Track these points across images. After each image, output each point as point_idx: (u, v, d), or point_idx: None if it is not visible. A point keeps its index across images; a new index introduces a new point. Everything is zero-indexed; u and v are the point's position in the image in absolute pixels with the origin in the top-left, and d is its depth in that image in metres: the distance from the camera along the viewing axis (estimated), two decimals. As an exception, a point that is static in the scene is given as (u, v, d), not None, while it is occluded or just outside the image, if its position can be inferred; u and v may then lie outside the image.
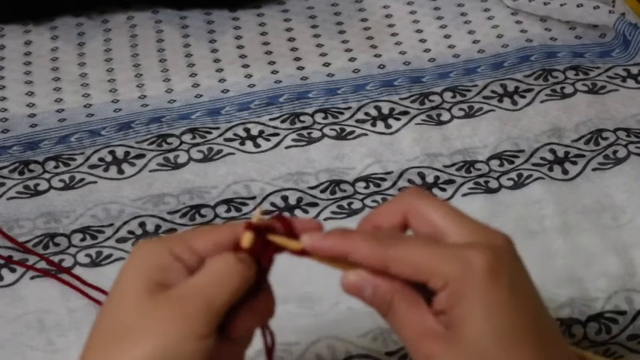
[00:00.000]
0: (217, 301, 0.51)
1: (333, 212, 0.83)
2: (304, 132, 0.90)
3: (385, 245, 0.53)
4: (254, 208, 0.83)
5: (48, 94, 0.96)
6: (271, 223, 0.55)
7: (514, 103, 0.94)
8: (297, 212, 0.83)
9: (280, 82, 0.97)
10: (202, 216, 0.83)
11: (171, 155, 0.88)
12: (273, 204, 0.83)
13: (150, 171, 0.87)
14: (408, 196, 0.55)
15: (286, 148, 0.89)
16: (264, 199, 0.84)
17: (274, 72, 0.98)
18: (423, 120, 0.92)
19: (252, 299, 0.54)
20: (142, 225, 0.82)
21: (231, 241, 0.54)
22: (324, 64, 0.99)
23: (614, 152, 0.89)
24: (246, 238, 0.54)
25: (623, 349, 0.79)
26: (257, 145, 0.89)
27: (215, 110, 0.93)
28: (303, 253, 0.54)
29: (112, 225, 0.82)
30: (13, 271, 0.78)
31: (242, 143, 0.89)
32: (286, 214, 0.55)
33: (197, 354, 0.50)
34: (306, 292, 0.76)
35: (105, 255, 0.79)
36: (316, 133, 0.90)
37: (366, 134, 0.91)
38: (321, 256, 0.54)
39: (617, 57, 1.01)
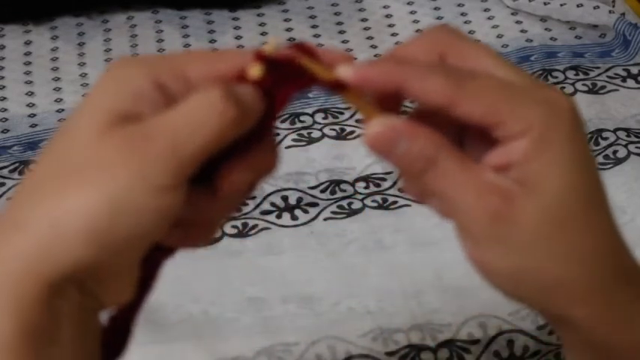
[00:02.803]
0: (187, 147, 0.39)
1: (333, 212, 0.83)
2: (304, 132, 0.90)
3: (456, 77, 0.41)
4: (255, 208, 0.83)
5: (48, 94, 0.96)
6: (289, 54, 0.42)
7: (514, 103, 0.94)
8: (297, 212, 0.83)
9: (280, 82, 0.96)
10: (202, 216, 0.83)
11: (171, 155, 0.88)
12: (273, 204, 0.83)
13: (150, 171, 0.86)
14: (442, 32, 0.44)
15: (286, 148, 0.89)
16: (264, 198, 0.84)
17: (274, 72, 0.98)
18: (423, 120, 0.92)
19: (251, 149, 0.42)
20: (142, 225, 0.82)
21: (235, 72, 0.42)
22: (324, 64, 0.99)
23: (614, 152, 0.89)
24: (256, 69, 0.42)
25: (623, 349, 0.78)
26: (257, 145, 0.89)
27: (215, 110, 0.93)
28: (336, 86, 0.42)
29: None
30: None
31: (242, 143, 0.89)
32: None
33: (153, 211, 0.39)
34: (307, 292, 0.76)
35: (105, 255, 0.79)
36: (316, 133, 0.90)
37: (366, 134, 0.90)
38: (357, 94, 0.43)
39: (617, 57, 1.00)
